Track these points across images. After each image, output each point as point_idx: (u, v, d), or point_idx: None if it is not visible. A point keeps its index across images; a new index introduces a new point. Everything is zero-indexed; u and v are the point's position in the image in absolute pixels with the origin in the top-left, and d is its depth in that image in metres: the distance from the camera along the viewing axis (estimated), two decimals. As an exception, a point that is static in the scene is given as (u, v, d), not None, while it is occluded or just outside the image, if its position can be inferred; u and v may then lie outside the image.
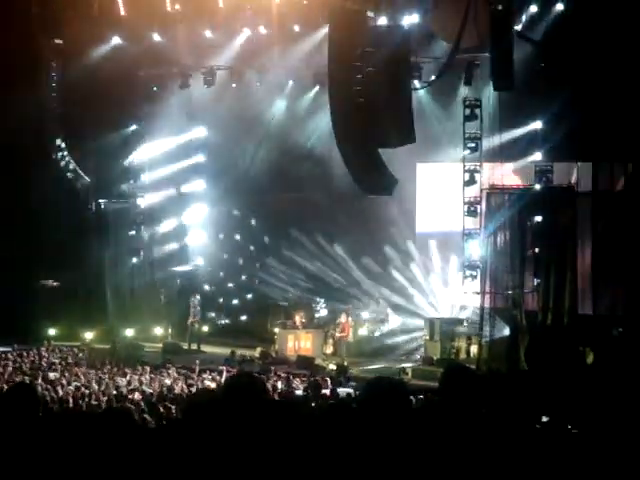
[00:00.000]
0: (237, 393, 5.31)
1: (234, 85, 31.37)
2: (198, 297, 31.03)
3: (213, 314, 34.04)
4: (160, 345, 29.77)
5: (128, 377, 21.31)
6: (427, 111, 29.52)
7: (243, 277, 35.55)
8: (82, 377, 21.31)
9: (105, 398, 17.83)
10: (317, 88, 30.63)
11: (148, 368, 23.07)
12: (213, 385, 19.58)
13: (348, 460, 5.03)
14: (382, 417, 5.08)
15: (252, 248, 35.29)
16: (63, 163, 30.97)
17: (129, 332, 30.65)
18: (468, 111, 27.76)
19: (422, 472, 5.04)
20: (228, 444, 5.09)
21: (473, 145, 27.60)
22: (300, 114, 32.25)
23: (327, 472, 5.08)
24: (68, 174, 31.46)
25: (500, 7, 23.23)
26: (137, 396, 18.00)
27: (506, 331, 24.95)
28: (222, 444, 5.12)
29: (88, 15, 27.34)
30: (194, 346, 29.88)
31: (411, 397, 5.48)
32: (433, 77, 27.23)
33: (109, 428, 5.61)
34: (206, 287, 34.27)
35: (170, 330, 31.45)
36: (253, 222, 35.01)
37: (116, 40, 28.90)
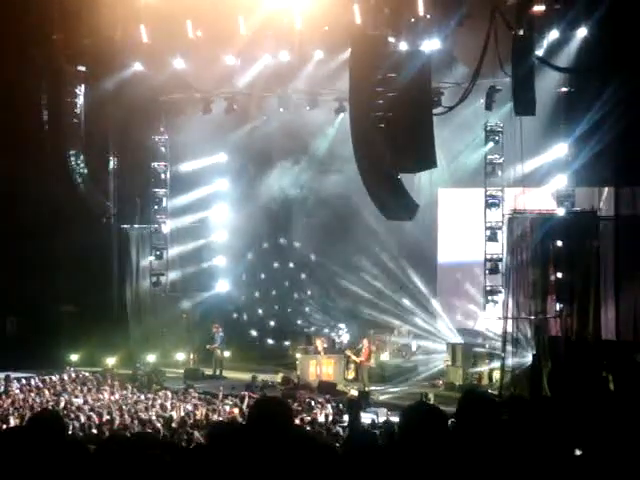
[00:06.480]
0: (264, 419, 5.26)
1: (255, 111, 31.46)
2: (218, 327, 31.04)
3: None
4: (182, 371, 29.77)
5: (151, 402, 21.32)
6: (448, 136, 29.44)
7: (258, 294, 35.57)
8: (104, 403, 21.31)
9: (127, 423, 17.83)
10: (339, 114, 30.59)
11: (170, 393, 23.06)
12: (235, 411, 19.56)
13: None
14: (426, 445, 5.02)
15: (275, 271, 35.36)
16: (84, 188, 31.02)
17: (151, 357, 30.65)
18: (489, 136, 27.72)
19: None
20: (255, 472, 5.04)
21: (495, 170, 27.54)
22: (322, 138, 32.32)
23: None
24: (89, 199, 31.50)
25: (521, 32, 23.20)
26: (159, 421, 17.99)
27: (529, 357, 24.82)
28: (249, 471, 5.08)
29: (110, 41, 27.47)
30: (217, 371, 29.91)
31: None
32: (454, 102, 27.18)
33: (133, 453, 5.58)
34: (230, 310, 34.42)
35: (192, 355, 31.45)
36: (279, 243, 35.10)
37: (138, 66, 29.01)
